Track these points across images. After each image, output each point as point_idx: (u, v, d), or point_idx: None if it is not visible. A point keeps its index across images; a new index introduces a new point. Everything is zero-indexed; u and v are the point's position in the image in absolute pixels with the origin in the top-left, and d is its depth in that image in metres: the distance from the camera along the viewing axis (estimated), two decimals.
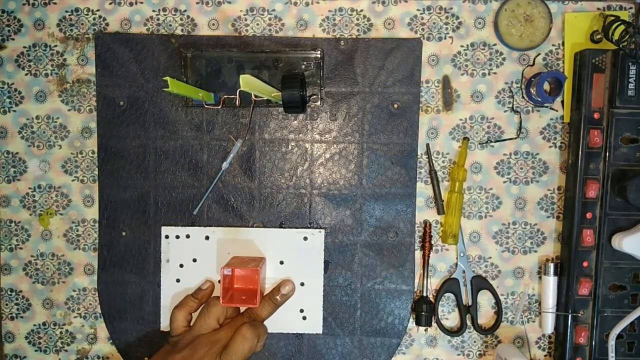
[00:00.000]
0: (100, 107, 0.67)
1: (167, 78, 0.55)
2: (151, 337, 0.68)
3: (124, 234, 0.68)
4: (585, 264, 0.64)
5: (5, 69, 0.67)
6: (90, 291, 0.69)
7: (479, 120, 0.67)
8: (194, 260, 0.67)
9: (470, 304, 0.68)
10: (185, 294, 0.66)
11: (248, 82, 0.56)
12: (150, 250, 0.68)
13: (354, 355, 0.68)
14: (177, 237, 0.67)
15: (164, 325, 0.68)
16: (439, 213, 0.67)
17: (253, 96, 0.64)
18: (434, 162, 0.68)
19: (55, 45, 0.67)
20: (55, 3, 0.67)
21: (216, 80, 0.66)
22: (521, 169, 0.67)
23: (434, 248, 0.68)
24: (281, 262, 0.67)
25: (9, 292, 0.69)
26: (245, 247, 0.67)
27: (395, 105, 0.67)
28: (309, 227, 0.68)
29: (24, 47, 0.67)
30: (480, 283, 0.68)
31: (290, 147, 0.67)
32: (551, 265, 0.66)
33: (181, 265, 0.67)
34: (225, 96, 0.66)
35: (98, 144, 0.67)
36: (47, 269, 0.69)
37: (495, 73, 0.67)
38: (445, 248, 0.68)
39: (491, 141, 0.67)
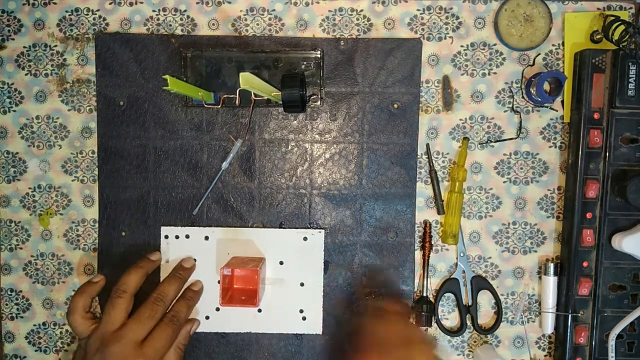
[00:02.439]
0: (100, 107, 0.67)
1: (167, 76, 0.55)
2: None
3: (123, 234, 0.68)
4: (585, 264, 0.64)
5: (5, 69, 0.67)
6: None
7: (479, 120, 0.67)
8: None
9: (470, 304, 0.68)
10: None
11: (248, 80, 0.56)
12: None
13: None
14: (177, 237, 0.67)
15: None
16: (439, 213, 0.67)
17: (253, 96, 0.64)
18: (434, 162, 0.67)
19: (55, 45, 0.67)
20: (55, 3, 0.67)
21: (216, 80, 0.66)
22: (521, 169, 0.67)
23: (434, 248, 0.68)
24: (281, 263, 0.67)
25: (9, 292, 0.69)
26: (245, 247, 0.67)
27: (395, 105, 0.67)
28: (308, 227, 0.68)
29: (24, 47, 0.67)
30: (480, 283, 0.68)
31: (290, 147, 0.67)
32: (551, 265, 0.66)
33: None
34: (225, 96, 0.66)
35: (98, 144, 0.67)
36: (47, 269, 0.69)
37: (495, 73, 0.67)
38: (445, 248, 0.68)
39: (491, 141, 0.67)
